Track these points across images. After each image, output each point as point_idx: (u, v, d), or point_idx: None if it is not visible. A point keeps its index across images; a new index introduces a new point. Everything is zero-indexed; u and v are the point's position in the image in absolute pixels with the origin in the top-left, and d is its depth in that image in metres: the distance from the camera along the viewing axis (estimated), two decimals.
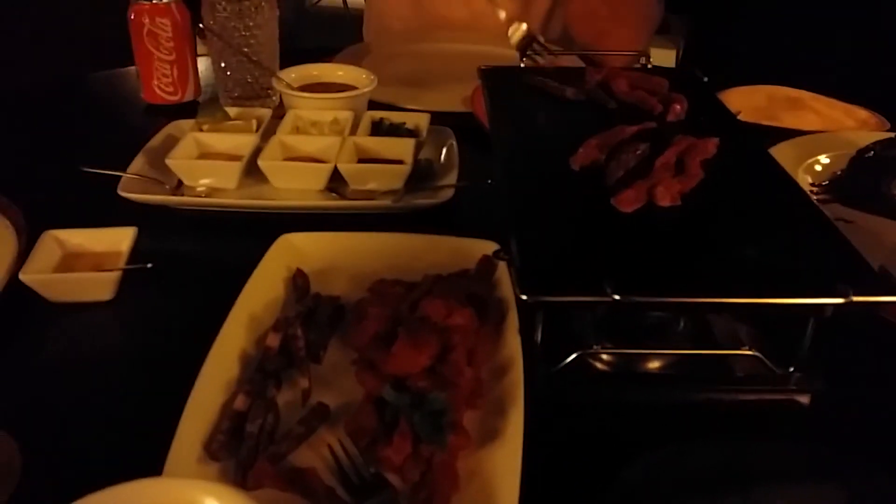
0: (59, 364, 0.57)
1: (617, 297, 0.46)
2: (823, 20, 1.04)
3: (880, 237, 0.67)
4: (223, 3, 0.88)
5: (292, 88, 0.86)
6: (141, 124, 0.92)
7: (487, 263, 0.59)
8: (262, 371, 0.51)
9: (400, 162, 0.75)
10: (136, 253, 0.63)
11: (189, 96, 0.97)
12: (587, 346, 0.55)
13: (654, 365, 0.56)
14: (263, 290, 0.58)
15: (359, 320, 0.54)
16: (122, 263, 0.62)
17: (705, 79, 0.78)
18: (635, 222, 0.55)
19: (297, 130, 0.81)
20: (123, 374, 0.56)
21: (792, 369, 0.54)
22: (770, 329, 0.57)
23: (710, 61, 0.88)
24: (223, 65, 0.92)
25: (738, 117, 0.73)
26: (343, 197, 0.75)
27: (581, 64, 0.93)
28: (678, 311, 0.57)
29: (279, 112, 0.85)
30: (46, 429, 0.50)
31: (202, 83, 0.98)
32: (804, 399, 0.54)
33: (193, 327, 0.53)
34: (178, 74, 0.95)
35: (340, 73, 0.91)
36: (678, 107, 0.69)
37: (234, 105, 0.88)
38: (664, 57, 1.23)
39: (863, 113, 0.93)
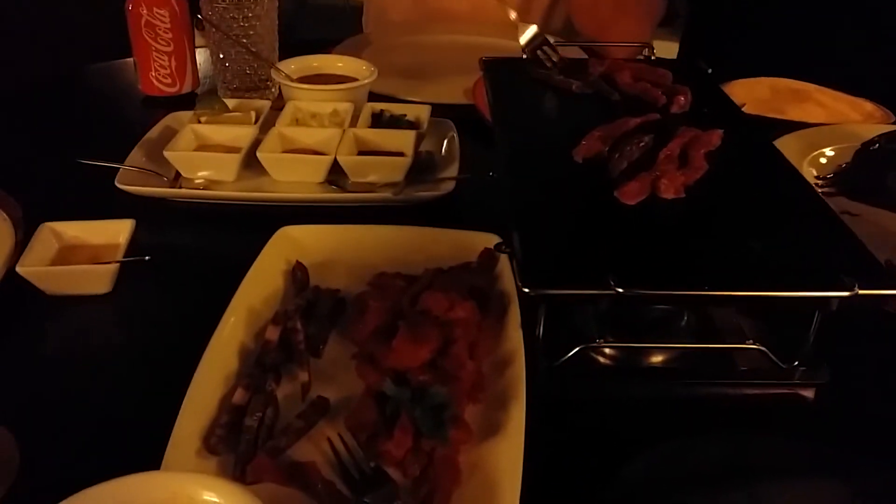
0: (56, 357, 0.56)
1: (620, 289, 0.45)
2: (829, 11, 1.03)
3: (886, 230, 0.67)
4: None
5: (291, 80, 0.85)
6: (139, 116, 0.92)
7: (489, 256, 0.59)
8: (261, 365, 0.51)
9: (400, 154, 0.74)
10: (134, 245, 0.62)
11: (187, 88, 0.96)
12: (589, 339, 0.54)
13: (657, 359, 0.56)
14: (262, 283, 0.58)
15: (359, 314, 0.54)
16: (119, 256, 0.61)
17: (709, 70, 0.78)
18: (638, 215, 0.54)
19: (297, 122, 0.81)
20: (121, 367, 0.55)
21: (796, 363, 0.54)
22: (774, 323, 0.57)
23: (713, 53, 0.87)
24: (221, 56, 0.91)
25: (743, 109, 0.72)
26: (343, 189, 0.74)
27: (584, 56, 0.92)
28: (682, 305, 0.56)
29: (278, 104, 0.84)
30: (44, 423, 0.50)
31: (200, 75, 0.98)
32: (808, 393, 0.54)
33: (192, 320, 0.53)
34: (177, 66, 0.94)
35: (340, 64, 0.90)
36: (682, 98, 0.68)
37: (232, 97, 0.88)
38: (668, 49, 1.22)
39: (868, 105, 0.93)
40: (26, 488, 0.44)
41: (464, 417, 0.47)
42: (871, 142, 0.77)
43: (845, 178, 0.76)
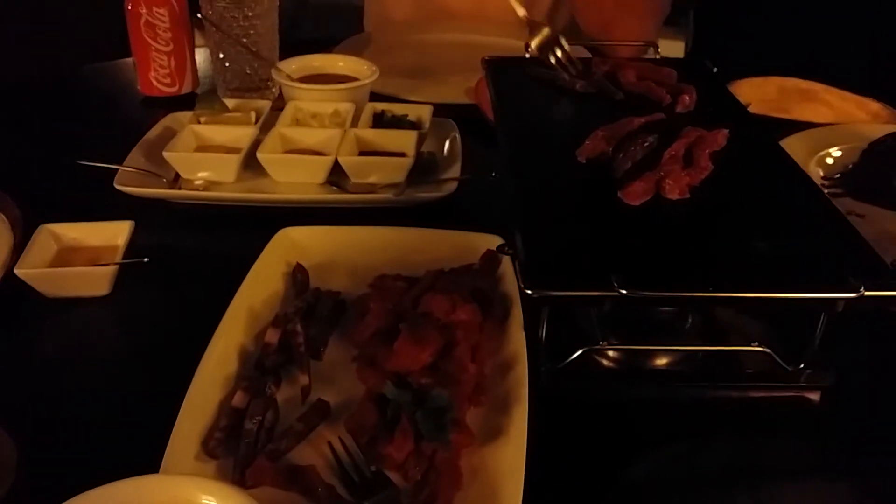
0: (55, 360, 0.56)
1: (624, 291, 0.45)
2: (836, 10, 1.02)
3: (892, 231, 0.66)
4: None
5: (292, 80, 0.85)
6: (138, 117, 0.91)
7: (491, 258, 0.58)
8: (261, 367, 0.51)
9: (402, 155, 0.74)
10: (133, 247, 0.62)
11: (187, 88, 0.95)
12: (593, 342, 0.54)
13: (662, 361, 0.55)
14: (262, 285, 0.57)
15: (360, 316, 0.54)
16: (118, 258, 0.61)
17: (715, 69, 0.77)
18: (643, 215, 0.54)
19: (297, 122, 0.80)
20: (120, 370, 0.55)
21: (802, 366, 0.53)
22: (780, 324, 0.56)
23: (720, 52, 0.86)
24: (221, 56, 0.91)
25: (749, 109, 0.71)
26: (344, 190, 0.74)
27: (587, 55, 0.92)
28: (686, 306, 0.56)
29: (278, 104, 0.84)
30: (43, 425, 0.50)
31: (200, 75, 0.97)
32: (814, 396, 0.53)
33: (191, 323, 0.53)
34: (176, 66, 0.94)
35: (341, 64, 0.90)
36: (687, 98, 0.68)
37: (232, 97, 0.87)
38: (673, 48, 1.22)
39: (875, 105, 0.92)
40: (25, 491, 0.44)
41: (465, 421, 0.46)
42: (879, 142, 0.77)
43: (852, 178, 0.76)
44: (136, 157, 0.76)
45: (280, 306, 0.57)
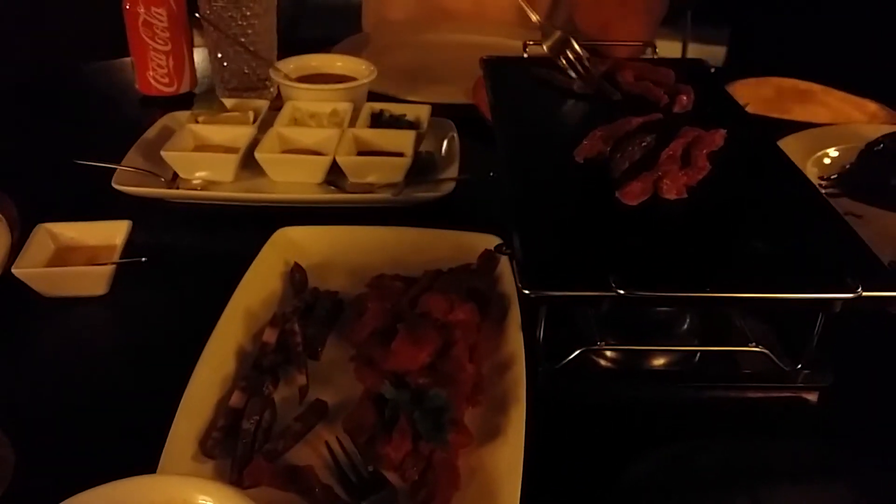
0: (52, 359, 0.56)
1: (621, 291, 0.45)
2: (836, 11, 1.02)
3: (889, 232, 0.66)
4: None
5: (290, 79, 0.85)
6: (136, 116, 0.91)
7: (489, 258, 0.58)
8: (258, 367, 0.51)
9: (400, 154, 0.74)
10: (131, 247, 0.62)
11: (185, 87, 0.95)
12: (591, 342, 0.54)
13: (659, 362, 0.55)
14: (260, 284, 0.57)
15: (358, 316, 0.54)
16: (116, 257, 0.61)
17: (712, 70, 0.77)
18: (640, 216, 0.54)
19: (296, 122, 0.80)
20: (117, 369, 0.55)
21: (800, 366, 0.53)
22: (778, 325, 0.56)
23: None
24: (220, 55, 0.91)
25: (746, 109, 0.71)
26: (342, 190, 0.74)
27: (586, 54, 0.92)
28: (684, 306, 0.56)
29: (277, 104, 0.83)
30: (40, 425, 0.49)
31: (198, 74, 0.97)
32: (812, 396, 0.53)
33: (189, 322, 0.53)
34: (174, 65, 0.93)
35: (339, 63, 0.90)
36: (685, 98, 0.68)
37: (230, 96, 0.87)
38: (670, 48, 1.22)
39: (872, 106, 0.92)
40: (22, 491, 0.44)
41: (463, 421, 0.46)
42: (876, 142, 0.77)
43: (849, 178, 0.76)
44: (134, 156, 0.76)
45: (278, 306, 0.57)
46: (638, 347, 0.55)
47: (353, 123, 0.79)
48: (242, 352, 0.52)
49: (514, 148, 0.63)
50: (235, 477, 0.44)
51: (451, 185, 0.73)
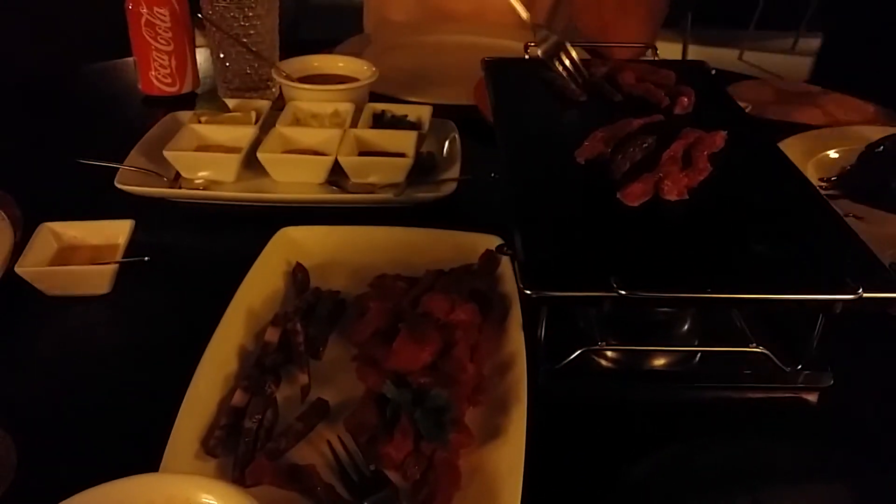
0: (54, 358, 0.56)
1: (622, 291, 0.45)
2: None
3: (890, 233, 0.66)
4: None
5: (292, 80, 0.85)
6: (138, 116, 0.91)
7: (490, 258, 0.58)
8: (260, 366, 0.51)
9: (402, 155, 0.74)
10: (133, 246, 0.62)
11: (187, 87, 0.96)
12: (592, 342, 0.54)
13: (660, 362, 0.55)
14: (262, 284, 0.57)
15: (359, 315, 0.54)
16: (118, 256, 0.61)
17: (713, 71, 0.77)
18: (641, 216, 0.54)
19: (297, 122, 0.80)
20: (120, 368, 0.55)
21: (800, 367, 0.53)
22: (778, 326, 0.56)
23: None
24: (222, 56, 0.91)
25: (747, 111, 0.72)
26: (344, 190, 0.74)
27: (586, 56, 0.92)
28: (685, 307, 0.56)
29: (279, 104, 0.84)
30: (42, 424, 0.50)
31: (201, 74, 0.98)
32: (812, 397, 0.53)
33: (191, 322, 0.53)
34: (177, 65, 0.94)
35: (341, 64, 0.90)
36: (685, 99, 0.68)
37: (232, 97, 0.87)
38: (671, 50, 1.22)
39: (872, 108, 0.92)
40: (24, 490, 0.44)
41: (464, 420, 0.46)
42: (876, 144, 0.77)
43: (849, 180, 0.76)
44: (136, 156, 0.76)
45: (280, 305, 0.57)
46: (639, 348, 0.55)
47: (354, 124, 0.79)
48: (244, 351, 0.52)
49: (515, 149, 0.63)
50: (237, 475, 0.44)
51: (452, 186, 0.73)
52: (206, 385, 0.48)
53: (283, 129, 0.77)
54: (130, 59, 0.95)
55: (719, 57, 1.58)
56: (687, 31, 1.31)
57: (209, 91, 0.93)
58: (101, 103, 0.98)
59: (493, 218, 0.61)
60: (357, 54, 0.97)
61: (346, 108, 0.81)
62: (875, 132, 0.82)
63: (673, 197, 0.55)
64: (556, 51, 0.73)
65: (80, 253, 0.62)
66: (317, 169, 0.74)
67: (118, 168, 0.73)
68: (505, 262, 0.58)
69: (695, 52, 1.76)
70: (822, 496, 0.47)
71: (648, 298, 0.47)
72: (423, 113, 0.81)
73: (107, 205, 0.70)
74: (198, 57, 0.97)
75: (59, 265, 0.61)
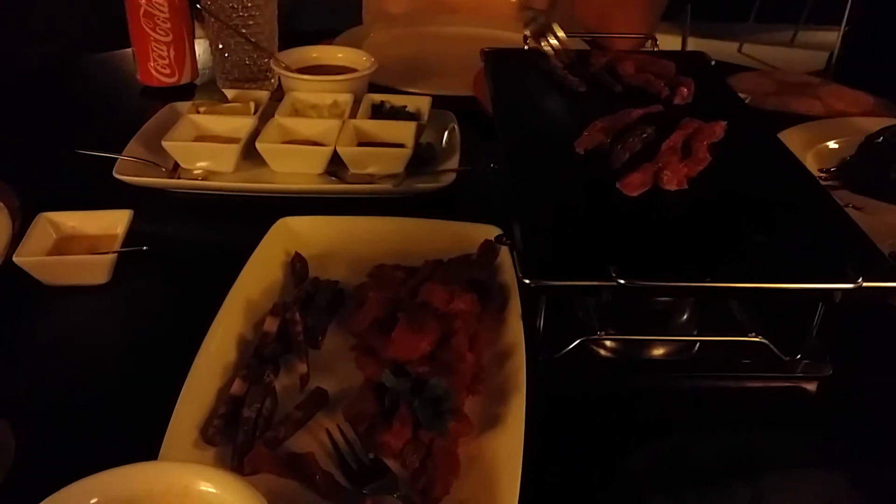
0: (53, 348, 0.56)
1: (622, 281, 0.45)
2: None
3: (889, 223, 0.66)
4: None
5: (291, 71, 0.84)
6: (137, 106, 0.91)
7: (489, 248, 0.58)
8: (259, 356, 0.51)
9: (401, 145, 0.74)
10: (132, 236, 0.62)
11: (186, 78, 0.95)
12: (590, 332, 0.54)
13: (659, 352, 0.55)
14: (261, 274, 0.57)
15: (358, 305, 0.54)
16: (117, 246, 0.61)
17: (713, 62, 0.77)
18: (641, 206, 0.54)
19: (296, 113, 0.80)
20: (119, 358, 0.55)
21: (799, 356, 0.53)
22: (777, 315, 0.56)
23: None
24: (221, 46, 0.91)
25: (747, 102, 0.71)
26: (343, 181, 0.74)
27: (586, 47, 0.92)
28: (684, 297, 0.56)
29: (278, 95, 0.83)
30: (41, 412, 0.50)
31: (199, 65, 0.97)
32: (811, 387, 0.53)
33: (190, 311, 0.53)
34: (175, 56, 0.93)
35: (340, 55, 0.90)
36: (685, 90, 0.68)
37: (231, 87, 0.87)
38: (671, 41, 1.22)
39: (871, 99, 0.92)
40: (23, 478, 0.44)
41: (463, 409, 0.46)
42: (876, 135, 0.77)
43: (849, 171, 0.76)
44: (135, 146, 0.76)
45: (279, 295, 0.57)
46: (637, 337, 0.55)
47: (353, 115, 0.79)
48: (243, 340, 0.52)
49: (514, 139, 0.63)
50: (236, 464, 0.44)
51: (451, 177, 0.73)
52: (204, 374, 0.48)
53: (281, 120, 0.77)
54: (129, 49, 0.95)
55: (719, 49, 1.58)
56: (686, 23, 1.31)
57: (208, 82, 0.92)
58: (100, 94, 0.98)
59: (492, 208, 0.61)
60: (356, 45, 0.96)
61: (346, 98, 0.80)
62: (874, 123, 0.82)
63: (672, 187, 0.55)
64: (544, 31, 0.73)
65: (78, 243, 0.62)
66: (316, 159, 0.74)
67: (117, 158, 0.73)
68: (504, 252, 0.58)
69: (694, 45, 1.76)
70: (821, 485, 0.47)
71: (647, 288, 0.47)
72: (422, 104, 0.81)
73: (105, 195, 0.70)
74: (196, 48, 0.96)
75: (57, 255, 0.61)
